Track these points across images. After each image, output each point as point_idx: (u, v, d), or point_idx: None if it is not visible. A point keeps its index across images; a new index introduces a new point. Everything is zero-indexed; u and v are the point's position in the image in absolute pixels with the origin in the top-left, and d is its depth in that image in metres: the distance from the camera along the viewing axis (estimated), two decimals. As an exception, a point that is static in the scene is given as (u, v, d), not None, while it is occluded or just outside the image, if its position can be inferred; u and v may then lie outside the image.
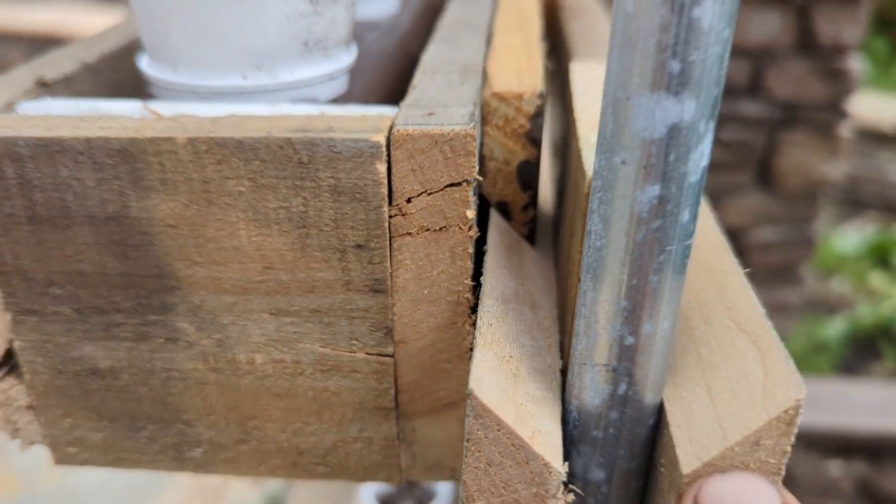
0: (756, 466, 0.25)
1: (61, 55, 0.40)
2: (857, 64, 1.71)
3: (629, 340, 0.26)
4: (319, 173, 0.30)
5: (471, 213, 0.30)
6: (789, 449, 0.25)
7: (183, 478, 2.07)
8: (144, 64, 0.38)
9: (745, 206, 1.97)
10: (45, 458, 0.39)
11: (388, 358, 0.33)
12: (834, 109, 1.77)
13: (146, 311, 0.33)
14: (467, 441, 0.25)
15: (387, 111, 0.33)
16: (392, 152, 0.29)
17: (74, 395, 0.36)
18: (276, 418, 0.35)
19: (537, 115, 0.34)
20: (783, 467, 0.26)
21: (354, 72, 0.43)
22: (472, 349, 0.33)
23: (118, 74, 0.43)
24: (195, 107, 0.34)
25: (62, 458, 0.38)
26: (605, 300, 0.26)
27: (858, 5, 1.68)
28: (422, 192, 0.30)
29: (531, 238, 0.37)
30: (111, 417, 0.36)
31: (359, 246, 0.31)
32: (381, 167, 0.29)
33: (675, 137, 0.23)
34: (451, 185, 0.30)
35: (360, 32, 0.50)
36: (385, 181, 0.30)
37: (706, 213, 0.35)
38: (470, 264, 0.31)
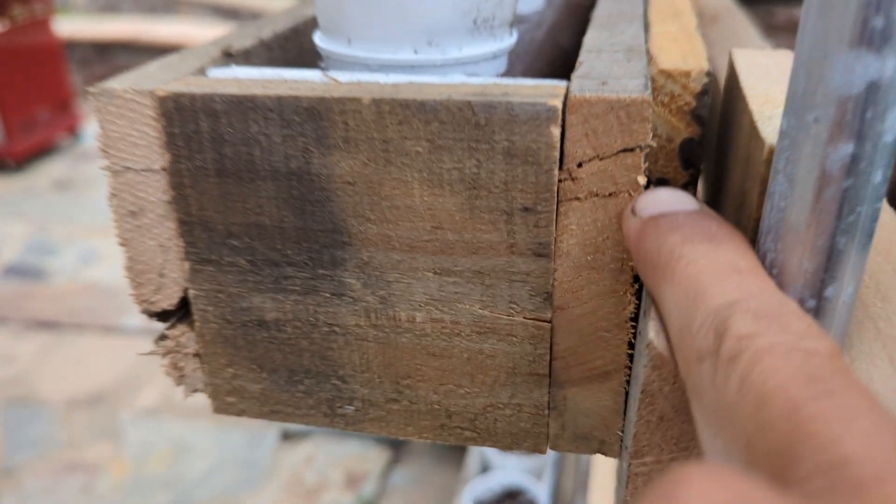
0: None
1: (242, 32, 0.43)
2: None
3: (810, 303, 0.26)
4: (495, 135, 0.31)
5: (642, 179, 0.31)
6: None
7: (282, 476, 2.13)
8: (318, 38, 0.40)
9: None
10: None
11: (546, 323, 0.34)
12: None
13: (316, 266, 0.35)
14: (642, 392, 0.26)
15: (559, 83, 0.34)
16: (567, 116, 0.30)
17: (239, 346, 0.38)
18: (430, 378, 0.37)
19: (704, 93, 0.34)
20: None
21: (511, 56, 0.44)
22: (632, 318, 0.33)
23: (287, 53, 0.45)
24: (372, 76, 0.36)
25: (220, 407, 0.40)
26: (787, 260, 0.26)
27: None
28: (594, 157, 0.31)
29: (688, 218, 0.37)
30: (271, 369, 0.38)
31: (526, 209, 0.32)
32: (556, 130, 0.30)
33: (873, 94, 0.23)
34: (625, 150, 0.30)
35: (509, 24, 0.52)
36: (558, 144, 0.30)
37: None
38: (636, 231, 0.31)
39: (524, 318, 0.34)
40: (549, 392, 0.36)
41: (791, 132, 0.25)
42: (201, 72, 0.37)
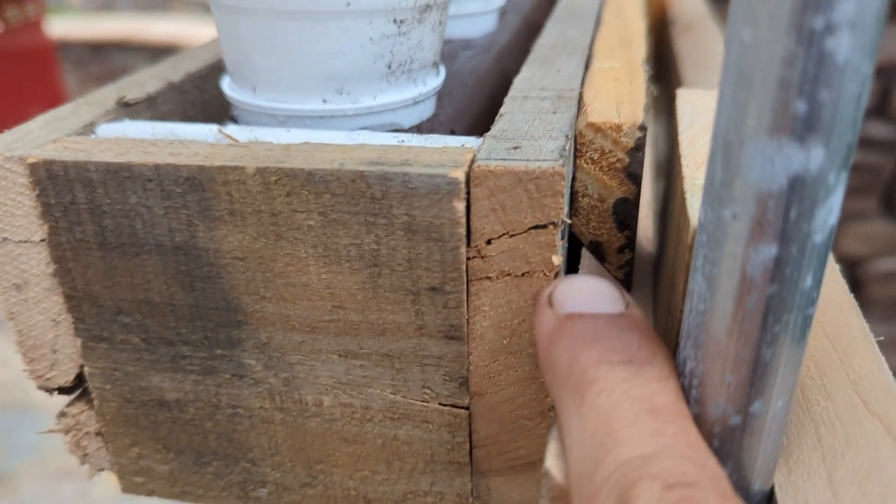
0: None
1: (148, 74, 0.40)
2: None
3: (735, 420, 0.22)
4: (393, 210, 0.27)
5: (557, 259, 0.27)
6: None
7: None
8: (226, 85, 0.37)
9: (869, 234, 1.85)
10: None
11: (463, 410, 0.31)
12: (972, 133, 1.64)
13: (213, 345, 0.32)
14: (541, 524, 0.23)
15: (470, 142, 0.30)
16: (472, 189, 0.27)
17: (142, 425, 0.35)
18: (344, 464, 0.33)
19: (637, 149, 0.31)
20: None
21: (443, 94, 0.40)
22: (553, 408, 0.30)
23: (204, 94, 0.42)
24: (272, 132, 0.33)
25: (129, 487, 0.37)
26: (708, 371, 0.22)
27: None
28: (503, 234, 0.27)
29: (627, 282, 0.33)
30: (177, 450, 0.35)
31: (433, 289, 0.28)
32: (460, 205, 0.27)
33: (797, 190, 0.19)
34: (536, 227, 0.27)
35: (454, 51, 0.48)
36: (463, 220, 0.27)
37: (831, 267, 0.31)
38: (555, 314, 0.28)
39: (439, 404, 0.31)
40: (472, 481, 0.32)
41: (709, 226, 0.21)
42: (90, 128, 0.34)
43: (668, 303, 0.28)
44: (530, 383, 0.29)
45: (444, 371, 0.30)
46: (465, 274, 0.28)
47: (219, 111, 0.43)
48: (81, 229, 0.30)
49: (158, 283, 0.31)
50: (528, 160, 0.26)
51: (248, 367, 0.32)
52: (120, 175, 0.29)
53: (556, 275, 0.27)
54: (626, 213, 0.32)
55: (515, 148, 0.28)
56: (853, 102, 0.19)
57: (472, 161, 0.27)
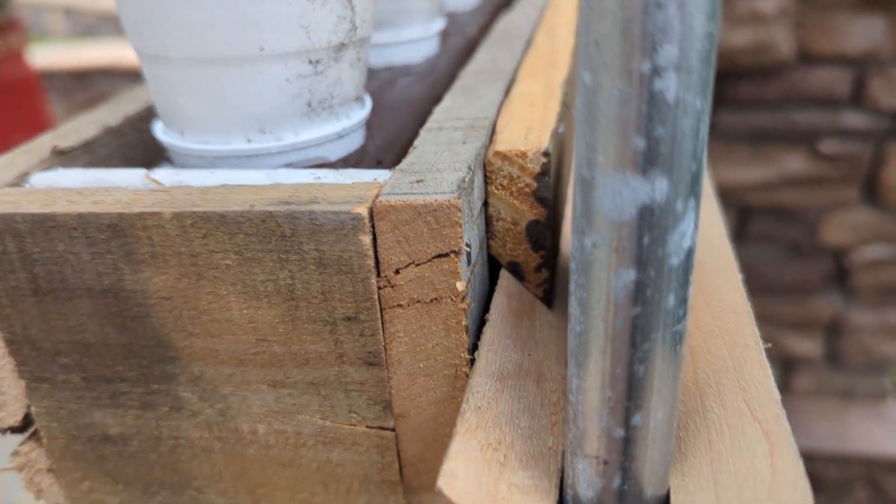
0: (765, 575, 0.23)
1: (85, 120, 0.41)
2: (969, 68, 1.60)
3: (618, 433, 0.24)
4: (303, 246, 0.29)
5: (461, 285, 0.28)
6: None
7: None
8: (158, 129, 0.38)
9: (852, 223, 1.86)
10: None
11: (389, 432, 0.32)
12: (945, 119, 1.65)
13: (149, 381, 0.33)
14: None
15: (382, 176, 0.31)
16: (376, 223, 0.28)
17: (89, 460, 0.36)
18: (284, 487, 0.35)
19: (543, 174, 0.32)
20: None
21: (374, 124, 0.42)
22: (471, 426, 0.31)
23: (143, 135, 0.43)
24: (196, 175, 0.34)
25: (85, 520, 0.39)
26: (589, 389, 0.24)
27: (969, 6, 1.57)
28: (409, 264, 0.28)
29: (548, 299, 0.34)
30: (125, 482, 0.36)
31: (349, 318, 0.30)
32: (366, 238, 0.28)
33: (647, 219, 0.21)
34: (439, 255, 0.28)
35: (393, 78, 0.49)
36: (371, 252, 0.28)
37: (733, 273, 0.33)
38: (466, 337, 0.29)
39: (366, 427, 0.32)
40: (406, 498, 0.33)
41: (577, 255, 0.22)
42: (24, 178, 0.35)
43: (573, 320, 0.29)
44: (449, 402, 0.31)
45: (367, 396, 0.31)
46: (377, 303, 0.29)
47: (158, 151, 0.44)
48: (15, 277, 0.32)
49: (92, 325, 0.32)
50: (426, 194, 0.28)
51: (185, 399, 0.33)
52: (46, 225, 0.30)
53: (462, 299, 0.29)
54: (539, 234, 0.33)
55: (419, 182, 0.29)
56: (691, 135, 0.20)
57: (377, 196, 0.28)
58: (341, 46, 0.35)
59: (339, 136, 0.37)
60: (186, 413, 0.34)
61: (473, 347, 0.30)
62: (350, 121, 0.37)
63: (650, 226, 0.21)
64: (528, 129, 0.34)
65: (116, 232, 0.30)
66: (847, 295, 1.86)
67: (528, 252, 0.33)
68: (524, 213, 0.33)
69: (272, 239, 0.29)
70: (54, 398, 0.35)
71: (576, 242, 0.22)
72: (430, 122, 0.35)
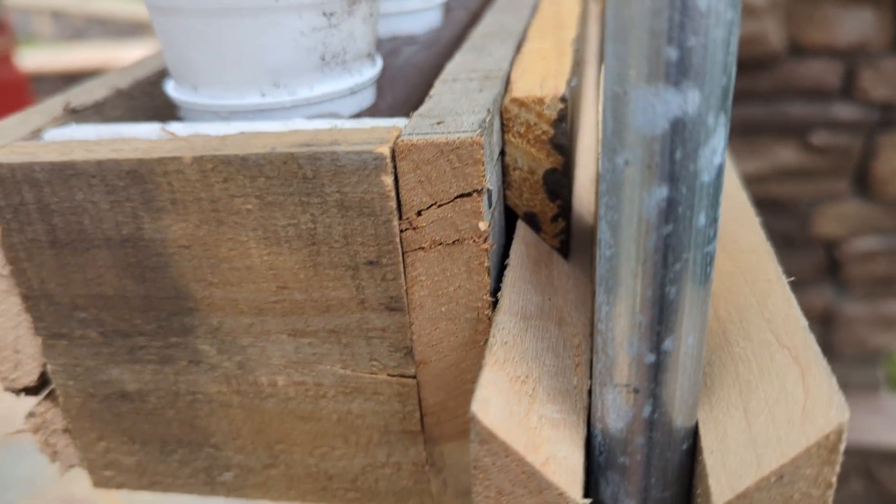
0: (798, 499, 0.23)
1: (96, 83, 0.41)
2: (958, 57, 1.61)
3: (649, 358, 0.24)
4: (325, 188, 0.28)
5: (484, 225, 0.28)
6: (834, 480, 0.22)
7: None
8: (170, 87, 0.38)
9: (843, 215, 1.87)
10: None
11: (411, 379, 0.32)
12: (935, 107, 1.66)
13: (167, 334, 0.33)
14: (474, 468, 0.24)
15: (400, 122, 0.31)
16: (398, 163, 0.28)
17: (106, 419, 0.36)
18: (303, 442, 0.34)
19: (560, 120, 0.32)
20: (829, 500, 0.23)
21: (383, 85, 0.42)
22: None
23: (154, 100, 0.43)
24: (211, 126, 0.34)
25: (99, 482, 0.38)
26: (620, 314, 0.24)
27: (958, -4, 1.58)
28: (431, 205, 0.28)
29: (564, 250, 0.35)
30: (143, 441, 0.36)
31: (370, 262, 0.30)
32: (388, 179, 0.28)
33: (679, 133, 0.21)
34: (462, 195, 0.28)
35: (397, 47, 0.49)
36: (393, 194, 0.28)
37: (750, 217, 0.33)
38: (488, 279, 0.29)
39: (387, 375, 0.32)
40: (426, 449, 0.33)
41: (607, 175, 0.22)
42: (37, 134, 0.35)
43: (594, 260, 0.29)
44: (471, 347, 0.31)
45: (388, 342, 0.31)
46: (399, 246, 0.29)
47: (169, 114, 0.44)
48: (32, 229, 0.32)
49: (110, 277, 0.32)
50: (449, 133, 0.28)
51: (203, 352, 0.33)
52: (64, 173, 0.30)
53: (485, 240, 0.29)
54: (555, 183, 0.33)
55: (439, 123, 0.29)
56: (722, 47, 0.20)
57: (398, 137, 0.28)
58: (355, 0, 0.35)
59: (352, 91, 0.37)
60: (205, 367, 0.33)
61: (495, 290, 0.30)
62: (362, 77, 0.37)
63: (682, 140, 0.21)
64: (542, 78, 0.34)
65: (136, 178, 0.30)
66: (839, 287, 1.87)
67: (544, 202, 0.33)
68: (541, 162, 0.33)
69: (293, 181, 0.29)
70: (71, 355, 0.34)
71: (606, 163, 0.22)
72: (444, 75, 0.35)
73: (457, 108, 0.31)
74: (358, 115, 0.38)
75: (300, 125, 0.32)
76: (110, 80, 0.41)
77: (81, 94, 0.39)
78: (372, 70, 0.38)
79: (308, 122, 0.33)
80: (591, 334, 0.30)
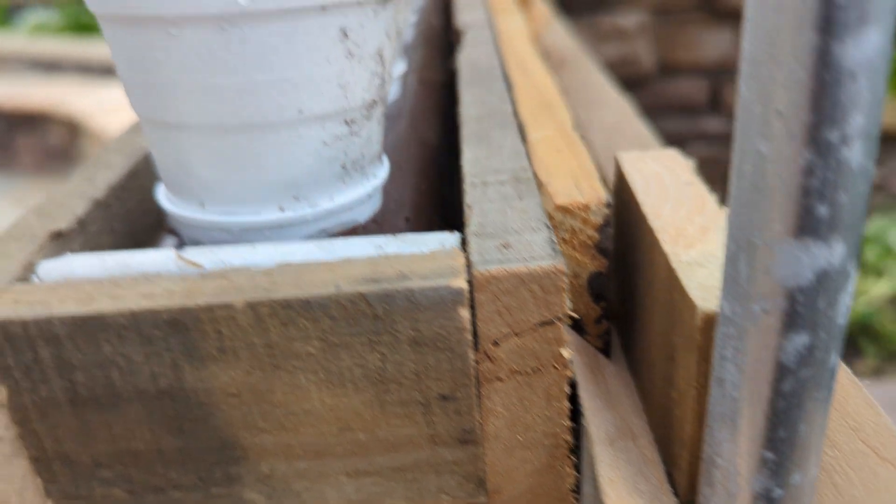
0: None
1: (68, 193, 0.37)
2: (812, 72, 1.74)
3: (777, 493, 0.24)
4: (396, 325, 0.27)
5: (567, 353, 0.28)
6: None
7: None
8: (165, 200, 0.35)
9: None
10: None
11: (479, 507, 0.30)
12: (794, 118, 1.79)
13: (209, 485, 0.30)
14: None
15: (448, 240, 0.30)
16: (475, 295, 0.27)
17: None
18: (354, 579, 0.32)
19: (606, 225, 0.32)
20: None
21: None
22: (573, 490, 0.30)
23: (126, 205, 0.39)
24: (237, 253, 0.31)
25: None
26: (745, 452, 0.23)
27: (808, 15, 1.71)
28: (510, 334, 0.27)
29: (606, 350, 0.34)
30: None
31: (444, 397, 0.28)
32: (465, 312, 0.27)
33: (824, 283, 0.21)
34: (543, 323, 0.27)
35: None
36: (469, 326, 0.27)
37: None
38: (567, 404, 0.29)
39: (455, 505, 0.30)
40: (492, 573, 0.32)
41: (736, 320, 0.22)
42: (29, 270, 0.31)
43: (666, 374, 0.29)
44: (547, 473, 0.30)
45: (460, 475, 0.30)
46: (475, 378, 0.28)
47: (142, 220, 0.41)
48: (47, 387, 0.28)
49: (142, 432, 0.29)
50: (524, 259, 0.27)
51: (251, 501, 0.30)
52: (90, 327, 0.27)
53: (565, 367, 0.28)
54: (600, 285, 0.33)
55: (504, 246, 0.28)
56: (864, 199, 0.20)
57: (468, 265, 0.27)
58: (373, 104, 0.34)
59: (369, 196, 0.35)
60: (248, 513, 0.31)
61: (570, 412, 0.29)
62: (377, 179, 0.36)
63: (826, 289, 0.21)
64: (573, 178, 0.33)
65: (177, 328, 0.27)
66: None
67: (588, 305, 0.33)
68: (586, 266, 0.32)
69: (362, 321, 0.27)
70: None
71: (736, 309, 0.22)
72: (470, 177, 0.34)
73: (509, 223, 0.30)
74: (374, 218, 0.36)
75: (339, 249, 0.30)
76: (83, 189, 0.37)
77: (57, 209, 0.35)
78: (383, 170, 0.37)
79: (347, 245, 0.31)
80: (661, 445, 0.30)
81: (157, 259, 0.31)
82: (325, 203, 0.33)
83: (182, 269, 0.31)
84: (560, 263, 0.26)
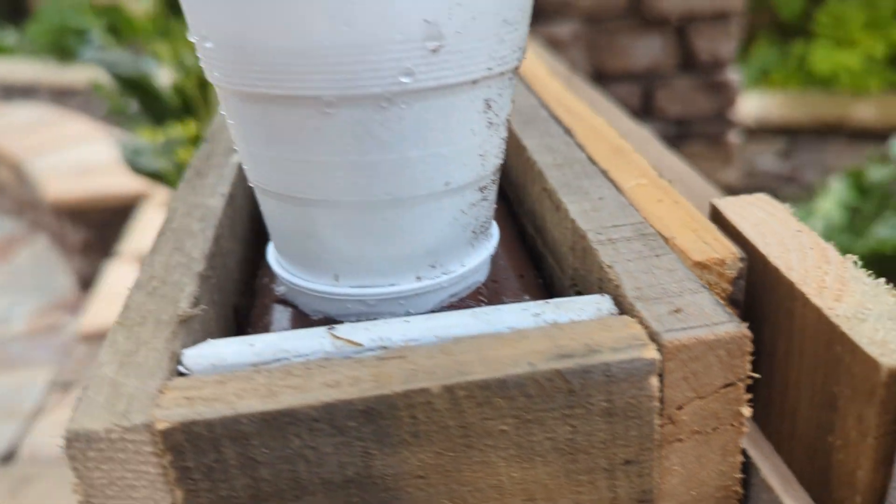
0: None
1: (167, 266, 0.35)
2: (736, 75, 1.82)
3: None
4: (591, 398, 0.27)
5: (747, 412, 0.29)
6: None
7: None
8: (288, 274, 0.34)
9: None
10: None
11: (648, 561, 0.31)
12: (721, 120, 1.87)
13: None
14: None
15: (603, 304, 0.31)
16: (665, 364, 0.28)
17: None
18: None
19: (739, 278, 0.33)
20: None
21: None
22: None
23: (217, 272, 0.38)
24: (391, 328, 0.31)
25: None
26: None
27: (730, 21, 1.79)
28: (694, 398, 0.28)
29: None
30: None
31: (628, 462, 0.29)
32: (655, 381, 0.27)
33: None
34: (726, 385, 0.28)
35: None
36: (658, 394, 0.28)
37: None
38: (740, 458, 0.30)
39: (626, 561, 0.31)
40: None
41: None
42: (175, 358, 0.30)
43: (824, 422, 0.30)
44: (716, 524, 0.31)
45: None
46: (657, 441, 0.29)
47: (232, 288, 0.39)
48: (229, 485, 0.27)
49: None
50: (705, 325, 0.28)
51: None
52: (280, 422, 0.26)
53: (743, 424, 0.29)
54: (730, 334, 0.34)
55: (676, 311, 0.29)
56: None
57: (652, 335, 0.28)
58: (498, 168, 0.34)
59: (490, 256, 0.35)
60: (419, 590, 0.30)
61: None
62: (494, 239, 0.36)
63: None
64: (692, 231, 0.35)
65: (371, 417, 0.27)
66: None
67: (717, 352, 0.34)
68: (718, 317, 0.33)
69: (557, 397, 0.27)
70: None
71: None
72: (591, 234, 0.35)
73: (664, 284, 0.30)
74: (492, 277, 0.36)
75: (495, 319, 0.30)
76: (178, 261, 0.36)
77: (166, 287, 0.34)
78: (496, 229, 0.37)
79: (505, 314, 0.31)
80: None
81: (311, 341, 0.31)
82: (458, 269, 0.33)
83: (339, 349, 0.30)
84: (744, 328, 0.28)
